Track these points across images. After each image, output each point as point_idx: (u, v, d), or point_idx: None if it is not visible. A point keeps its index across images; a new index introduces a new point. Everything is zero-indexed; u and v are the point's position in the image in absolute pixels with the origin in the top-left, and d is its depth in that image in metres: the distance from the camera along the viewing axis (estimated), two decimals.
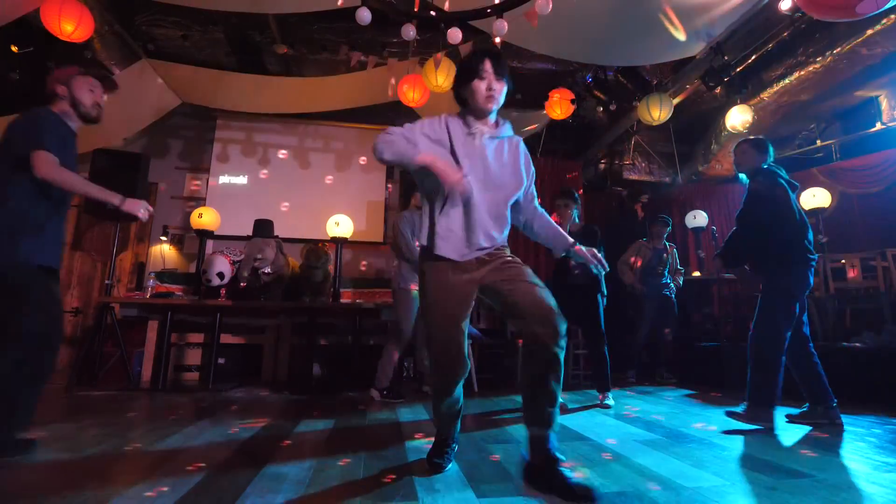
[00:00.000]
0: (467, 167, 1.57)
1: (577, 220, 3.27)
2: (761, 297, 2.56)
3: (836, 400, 2.49)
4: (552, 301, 1.50)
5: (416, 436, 2.24)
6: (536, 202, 1.80)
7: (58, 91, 2.05)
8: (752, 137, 2.80)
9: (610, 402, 3.13)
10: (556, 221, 3.15)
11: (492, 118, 1.67)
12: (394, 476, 1.62)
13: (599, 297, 3.27)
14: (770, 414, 2.43)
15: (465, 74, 1.64)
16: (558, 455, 1.45)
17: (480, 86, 1.60)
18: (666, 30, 3.84)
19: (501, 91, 1.63)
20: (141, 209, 2.00)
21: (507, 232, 1.69)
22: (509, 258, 1.64)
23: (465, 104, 1.68)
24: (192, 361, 4.45)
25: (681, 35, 3.81)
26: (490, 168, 1.62)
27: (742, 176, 2.78)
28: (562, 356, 1.45)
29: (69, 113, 2.06)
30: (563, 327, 1.45)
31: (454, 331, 1.58)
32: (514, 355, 4.46)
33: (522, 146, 1.75)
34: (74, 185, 1.87)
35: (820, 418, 2.49)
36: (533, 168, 1.77)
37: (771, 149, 2.71)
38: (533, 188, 1.78)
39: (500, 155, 1.67)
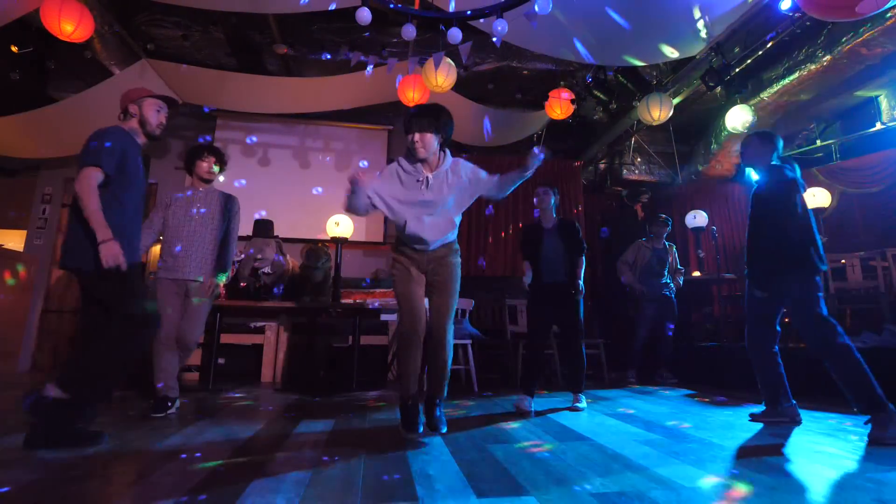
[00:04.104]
0: (414, 203, 2.20)
1: (554, 213, 3.37)
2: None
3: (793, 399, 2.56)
4: (449, 311, 2.24)
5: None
6: (487, 177, 2.30)
7: (130, 110, 2.29)
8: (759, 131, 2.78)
9: (582, 405, 3.05)
10: (539, 204, 3.39)
11: (430, 158, 2.20)
12: (394, 476, 1.62)
13: (575, 293, 3.22)
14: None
15: (404, 129, 2.21)
16: (440, 404, 2.25)
17: (410, 139, 2.17)
18: (667, 29, 3.84)
19: (425, 141, 2.15)
20: (110, 260, 1.98)
21: (453, 234, 2.32)
22: (451, 261, 2.28)
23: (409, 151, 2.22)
24: (191, 361, 4.43)
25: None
26: (434, 198, 2.20)
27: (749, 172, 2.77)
28: (449, 347, 2.23)
29: (137, 130, 2.29)
30: (451, 330, 2.24)
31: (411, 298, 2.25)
32: (514, 356, 4.46)
33: (458, 165, 2.27)
34: (87, 208, 1.98)
35: (780, 416, 2.55)
36: (471, 170, 2.28)
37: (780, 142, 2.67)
38: (480, 177, 2.28)
39: (442, 185, 2.21)
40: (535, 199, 3.37)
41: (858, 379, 2.18)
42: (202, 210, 2.97)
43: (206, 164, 3.02)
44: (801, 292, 2.39)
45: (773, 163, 2.64)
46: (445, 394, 2.27)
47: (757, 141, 2.70)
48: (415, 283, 2.24)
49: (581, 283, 3.27)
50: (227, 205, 3.09)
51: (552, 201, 3.33)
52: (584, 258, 3.29)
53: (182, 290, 2.89)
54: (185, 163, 3.13)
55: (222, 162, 3.13)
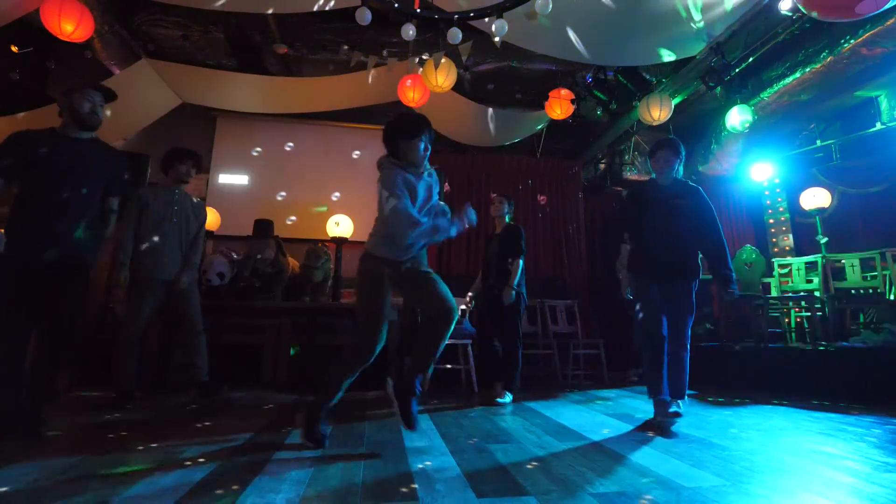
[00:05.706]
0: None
1: (507, 220, 3.59)
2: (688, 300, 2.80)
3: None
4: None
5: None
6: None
7: (61, 106, 2.34)
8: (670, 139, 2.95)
9: (506, 400, 3.23)
10: (492, 211, 3.58)
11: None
12: (394, 476, 1.62)
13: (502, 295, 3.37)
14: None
15: (406, 134, 2.08)
16: (418, 390, 2.03)
17: (419, 145, 2.08)
18: (668, 28, 3.84)
19: (428, 151, 2.14)
20: None
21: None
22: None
23: (398, 155, 2.11)
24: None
25: (696, 24, 3.80)
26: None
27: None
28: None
29: (69, 124, 2.32)
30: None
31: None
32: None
33: (434, 176, 2.24)
34: None
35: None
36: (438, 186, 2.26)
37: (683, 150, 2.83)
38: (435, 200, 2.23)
39: (424, 189, 2.15)
40: (490, 207, 3.63)
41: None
42: (178, 210, 3.12)
43: (184, 168, 3.16)
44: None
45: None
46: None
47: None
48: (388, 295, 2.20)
49: (514, 287, 3.35)
50: (196, 211, 3.26)
51: (505, 209, 3.57)
52: (520, 261, 3.40)
53: (160, 287, 3.04)
54: (161, 164, 3.22)
55: (199, 166, 3.27)
